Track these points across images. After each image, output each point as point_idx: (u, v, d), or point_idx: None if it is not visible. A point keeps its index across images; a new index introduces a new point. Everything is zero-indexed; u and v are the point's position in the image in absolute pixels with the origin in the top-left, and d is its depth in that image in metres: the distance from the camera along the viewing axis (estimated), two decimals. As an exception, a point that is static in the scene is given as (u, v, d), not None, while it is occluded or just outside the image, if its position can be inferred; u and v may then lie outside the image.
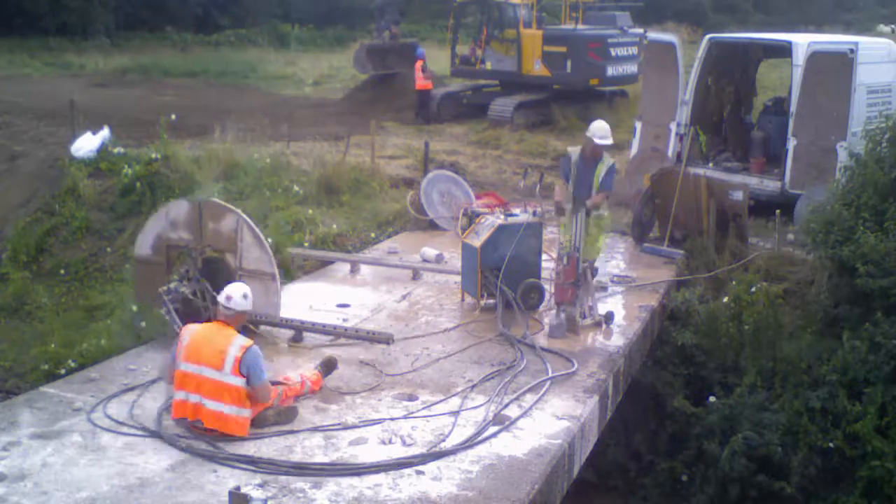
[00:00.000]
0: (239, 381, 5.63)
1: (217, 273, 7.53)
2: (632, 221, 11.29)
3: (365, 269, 9.90)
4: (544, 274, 8.69)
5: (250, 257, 7.50)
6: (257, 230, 7.54)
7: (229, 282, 6.39)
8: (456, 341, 7.62)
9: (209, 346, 5.69)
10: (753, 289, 8.98)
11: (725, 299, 9.09)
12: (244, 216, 7.58)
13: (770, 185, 12.43)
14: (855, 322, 8.10)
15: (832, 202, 9.03)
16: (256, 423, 5.77)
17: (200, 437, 5.59)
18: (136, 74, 29.75)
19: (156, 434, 5.66)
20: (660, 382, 8.74)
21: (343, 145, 14.86)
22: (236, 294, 5.91)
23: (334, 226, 11.42)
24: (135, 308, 9.26)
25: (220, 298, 5.95)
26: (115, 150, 15.24)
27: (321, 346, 7.40)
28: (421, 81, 20.24)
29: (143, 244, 7.92)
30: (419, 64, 20.31)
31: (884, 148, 9.09)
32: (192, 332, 5.81)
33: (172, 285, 7.34)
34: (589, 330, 8.01)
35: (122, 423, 5.80)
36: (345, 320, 8.03)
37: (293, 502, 4.92)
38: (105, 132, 15.51)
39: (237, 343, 5.71)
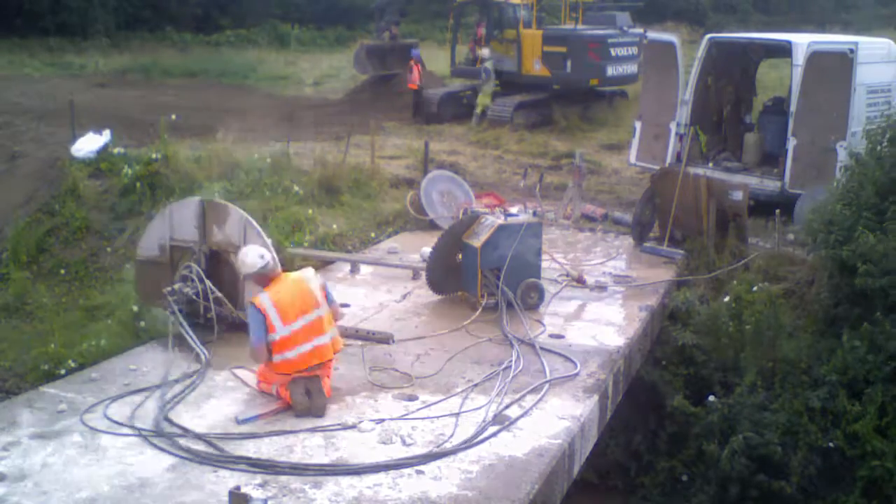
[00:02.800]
0: (328, 306, 6.35)
1: (221, 274, 7.53)
2: (632, 221, 11.30)
3: (365, 269, 9.91)
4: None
5: None
6: (262, 231, 7.51)
7: (234, 284, 6.47)
8: (456, 341, 7.62)
9: (300, 296, 6.19)
10: (755, 288, 8.98)
11: (727, 299, 9.09)
12: (248, 216, 7.56)
13: (770, 185, 12.44)
14: (855, 322, 8.10)
15: (832, 202, 9.03)
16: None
17: (200, 438, 5.59)
18: (136, 74, 29.75)
19: (158, 434, 5.66)
20: (660, 382, 8.74)
21: (343, 145, 14.86)
22: (260, 250, 6.40)
23: (334, 226, 11.42)
24: (135, 308, 9.28)
25: (256, 264, 6.27)
26: (116, 151, 15.26)
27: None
28: (410, 81, 20.86)
29: (146, 245, 7.90)
30: (410, 63, 20.95)
31: (884, 147, 9.08)
32: (272, 303, 6.10)
33: (176, 286, 7.32)
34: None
35: (121, 424, 5.80)
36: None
37: (293, 502, 4.93)
38: (107, 135, 15.53)
39: (309, 276, 6.36)
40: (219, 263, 7.61)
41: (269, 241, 7.52)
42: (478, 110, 19.89)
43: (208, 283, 7.32)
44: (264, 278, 6.33)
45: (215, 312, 7.33)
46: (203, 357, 6.82)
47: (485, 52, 20.54)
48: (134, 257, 8.47)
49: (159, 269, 7.71)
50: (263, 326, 6.07)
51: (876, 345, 7.68)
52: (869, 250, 7.93)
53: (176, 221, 7.70)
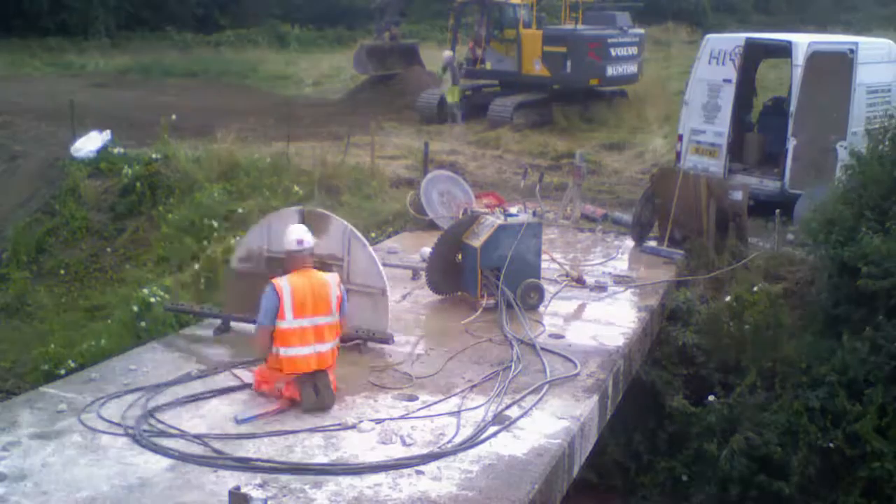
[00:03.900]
0: (338, 316, 6.25)
1: None
2: (632, 221, 11.30)
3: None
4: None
5: (358, 270, 7.25)
6: (366, 242, 7.33)
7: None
8: (456, 341, 7.61)
9: (315, 296, 6.11)
10: (756, 288, 8.98)
11: (728, 299, 9.08)
12: (352, 227, 7.33)
13: (770, 185, 12.43)
14: (856, 323, 8.09)
15: (833, 201, 9.02)
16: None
17: (197, 438, 5.59)
18: (136, 74, 29.78)
19: (158, 435, 5.65)
20: (660, 382, 8.74)
21: (343, 145, 14.87)
22: (303, 234, 6.30)
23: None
24: (136, 309, 9.30)
25: (291, 244, 6.23)
26: (116, 151, 15.27)
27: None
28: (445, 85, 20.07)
29: (242, 255, 7.68)
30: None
31: (885, 146, 9.08)
32: (290, 290, 6.06)
33: None
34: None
35: (118, 425, 5.78)
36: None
37: (293, 502, 4.92)
38: (107, 135, 15.54)
39: (332, 282, 6.23)
40: None
41: (373, 252, 7.34)
42: (454, 109, 19.73)
43: None
44: (294, 262, 6.25)
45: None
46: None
47: (446, 53, 20.27)
48: (226, 267, 8.19)
49: (254, 280, 7.23)
50: (275, 310, 6.04)
51: (877, 345, 7.68)
52: (872, 251, 7.92)
53: (274, 232, 7.34)
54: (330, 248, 7.28)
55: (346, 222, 7.43)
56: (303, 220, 7.23)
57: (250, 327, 6.89)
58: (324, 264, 7.04)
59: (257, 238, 7.63)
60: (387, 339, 7.29)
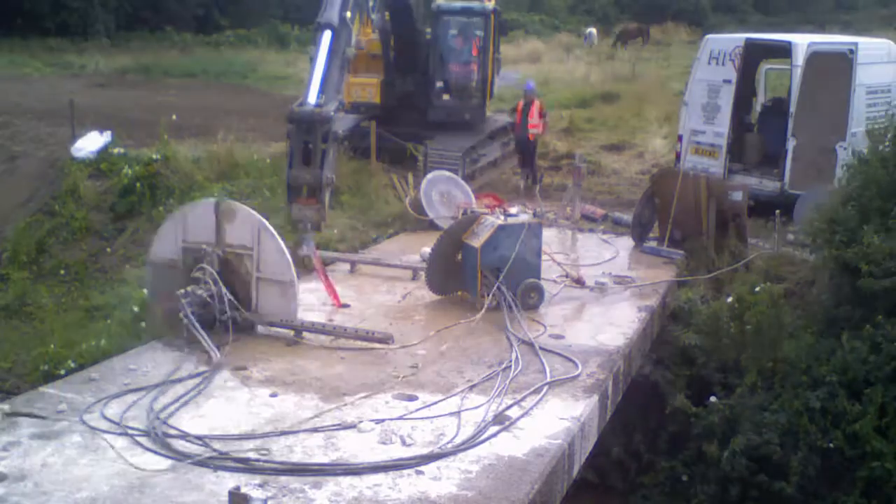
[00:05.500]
0: None
1: (234, 276, 7.48)
2: (632, 221, 11.30)
3: (365, 269, 9.91)
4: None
5: (269, 261, 7.42)
6: (276, 234, 7.45)
7: (247, 286, 6.43)
8: (456, 341, 7.62)
9: None
10: (757, 289, 8.98)
11: (730, 299, 9.07)
12: (263, 220, 7.49)
13: (770, 185, 12.43)
14: (857, 323, 8.08)
15: (835, 202, 9.02)
16: None
17: (198, 438, 5.59)
18: (136, 75, 29.77)
19: (157, 436, 5.65)
20: (661, 382, 8.74)
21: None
22: None
23: (336, 231, 11.40)
24: (136, 309, 9.27)
25: None
26: (116, 151, 15.27)
27: (321, 346, 7.40)
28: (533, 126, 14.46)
29: (160, 247, 7.81)
30: (537, 104, 14.55)
31: (887, 147, 9.07)
32: None
33: (189, 288, 7.26)
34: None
35: (119, 425, 5.79)
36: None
37: (293, 502, 4.92)
38: (107, 135, 15.54)
39: None
40: (232, 266, 7.52)
41: (282, 243, 7.46)
42: None
43: (222, 285, 7.28)
44: None
45: (230, 315, 7.30)
46: (215, 357, 6.81)
47: None
48: (134, 259, 8.43)
49: (172, 271, 7.60)
50: None
51: (877, 346, 7.68)
52: (875, 251, 7.91)
53: (190, 223, 7.62)
54: (241, 238, 7.46)
55: (258, 216, 7.57)
56: (217, 213, 7.49)
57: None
58: (234, 254, 7.39)
59: (174, 230, 7.74)
60: (386, 340, 7.30)
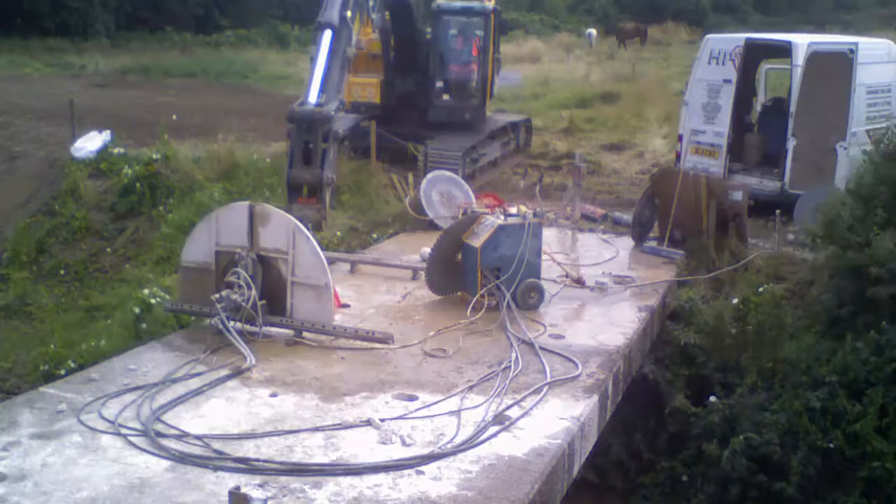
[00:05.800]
0: None
1: (268, 280, 7.45)
2: (632, 221, 11.30)
3: (365, 269, 9.91)
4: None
5: (304, 265, 7.34)
6: (311, 237, 7.39)
7: (281, 290, 6.40)
8: (456, 341, 7.62)
9: None
10: (761, 289, 8.98)
11: (735, 300, 9.06)
12: (298, 223, 7.41)
13: (770, 185, 12.43)
14: (860, 325, 8.08)
15: (837, 202, 9.01)
16: None
17: (198, 438, 5.59)
18: (136, 75, 29.79)
19: (157, 436, 5.65)
20: (661, 382, 8.74)
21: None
22: None
23: (337, 232, 11.40)
24: (136, 310, 9.28)
25: None
26: (116, 151, 15.28)
27: (321, 346, 7.40)
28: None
29: (191, 250, 7.72)
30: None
31: (890, 147, 9.06)
32: None
33: (224, 292, 7.23)
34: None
35: (119, 425, 5.79)
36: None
37: (293, 502, 4.92)
38: (107, 135, 15.55)
39: None
40: (266, 269, 7.46)
41: (318, 246, 7.40)
42: None
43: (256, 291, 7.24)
44: None
45: (262, 320, 7.29)
46: (249, 361, 6.80)
47: None
48: (178, 264, 8.32)
49: (204, 275, 7.49)
50: None
51: (879, 346, 7.68)
52: (888, 255, 7.88)
53: (223, 226, 7.53)
54: (276, 242, 7.38)
55: (293, 218, 7.50)
56: (251, 215, 7.37)
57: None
58: (270, 258, 7.28)
59: (206, 232, 7.67)
60: (386, 340, 7.30)
